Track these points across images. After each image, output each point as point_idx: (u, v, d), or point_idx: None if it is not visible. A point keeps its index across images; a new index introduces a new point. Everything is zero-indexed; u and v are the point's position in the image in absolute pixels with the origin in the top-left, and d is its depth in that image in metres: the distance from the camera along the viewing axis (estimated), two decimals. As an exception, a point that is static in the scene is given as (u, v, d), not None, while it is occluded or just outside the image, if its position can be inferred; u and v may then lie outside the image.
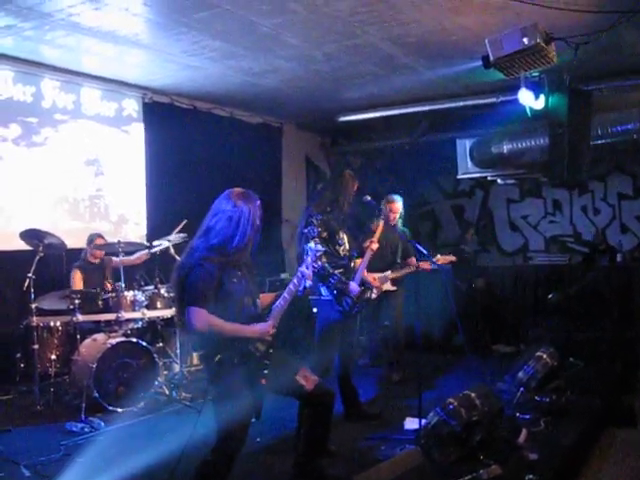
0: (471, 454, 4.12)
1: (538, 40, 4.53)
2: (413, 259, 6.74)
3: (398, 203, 6.64)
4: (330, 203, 5.18)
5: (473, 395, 4.16)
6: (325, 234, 5.03)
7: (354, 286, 5.14)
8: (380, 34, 6.15)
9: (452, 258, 7.00)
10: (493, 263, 10.36)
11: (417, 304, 6.91)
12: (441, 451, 4.00)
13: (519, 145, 8.29)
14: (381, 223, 5.61)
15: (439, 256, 6.89)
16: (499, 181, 10.19)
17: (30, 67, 6.85)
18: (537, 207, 10.52)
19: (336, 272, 5.01)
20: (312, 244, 3.98)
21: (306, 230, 4.99)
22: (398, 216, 6.63)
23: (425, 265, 6.55)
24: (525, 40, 4.54)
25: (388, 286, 6.58)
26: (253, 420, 3.64)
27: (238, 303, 3.57)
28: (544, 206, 10.49)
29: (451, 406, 4.03)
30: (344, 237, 5.25)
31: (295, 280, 3.73)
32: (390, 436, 4.93)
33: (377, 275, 6.43)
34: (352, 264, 5.30)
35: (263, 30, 5.97)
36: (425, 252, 5.44)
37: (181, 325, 3.67)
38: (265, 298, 3.86)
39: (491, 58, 4.82)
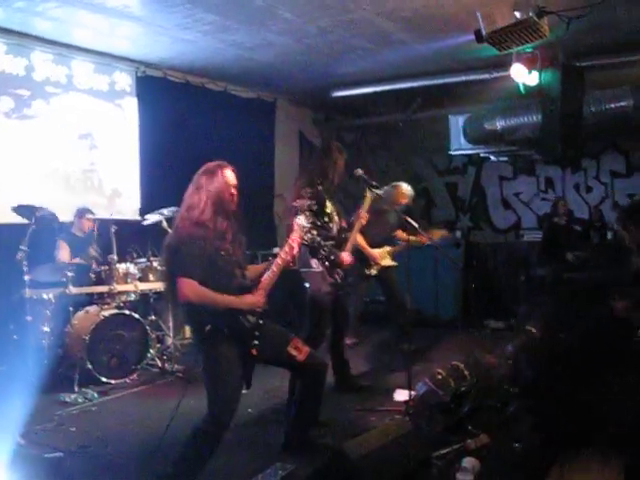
0: (460, 424, 4.20)
1: (530, 14, 4.52)
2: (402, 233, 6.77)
3: (409, 199, 6.71)
4: (319, 175, 5.20)
5: (462, 366, 4.23)
6: (315, 207, 5.04)
7: (346, 256, 5.17)
8: (374, 8, 6.14)
9: (445, 232, 7.07)
10: (485, 240, 10.41)
11: (407, 279, 7.03)
12: (429, 421, 4.07)
13: (512, 122, 8.29)
14: (368, 195, 5.61)
15: (435, 231, 6.98)
16: (492, 158, 10.21)
17: (21, 39, 6.80)
18: (530, 185, 10.56)
19: (326, 244, 5.04)
20: (302, 217, 4.00)
21: (296, 203, 5.01)
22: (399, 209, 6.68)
23: (422, 238, 6.63)
24: (517, 14, 4.54)
25: (388, 262, 6.62)
26: (244, 391, 3.69)
27: (228, 274, 3.60)
28: (537, 184, 10.53)
29: (440, 376, 4.10)
30: (334, 210, 5.28)
31: (282, 253, 3.76)
32: (380, 407, 5.01)
33: (379, 250, 6.49)
34: (342, 236, 5.32)
35: (257, 4, 5.94)
36: (415, 225, 5.46)
37: (171, 299, 3.70)
38: (254, 269, 3.90)
39: (483, 32, 4.81)
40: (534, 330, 5.46)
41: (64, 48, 7.19)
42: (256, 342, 3.60)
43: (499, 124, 8.38)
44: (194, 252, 3.48)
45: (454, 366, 4.24)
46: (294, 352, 3.79)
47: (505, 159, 10.36)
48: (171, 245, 3.61)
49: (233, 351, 3.53)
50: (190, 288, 3.44)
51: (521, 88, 6.93)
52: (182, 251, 3.50)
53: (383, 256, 6.53)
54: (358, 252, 6.49)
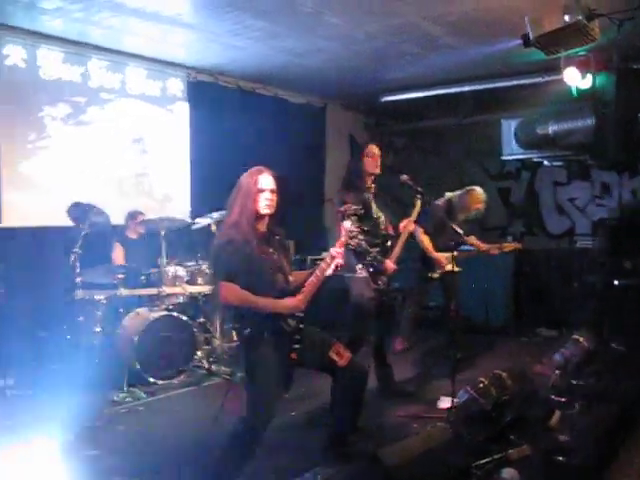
0: (501, 434, 4.15)
1: (580, 17, 4.43)
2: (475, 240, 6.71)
3: (483, 204, 6.66)
4: (358, 179, 5.21)
5: (505, 375, 4.17)
6: (361, 212, 5.05)
7: (390, 264, 5.16)
8: (421, 13, 6.12)
9: (518, 245, 7.00)
10: (539, 246, 10.22)
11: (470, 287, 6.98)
12: (471, 429, 4.03)
13: (565, 126, 8.11)
14: (418, 203, 5.59)
15: (506, 244, 6.93)
16: (546, 163, 10.02)
17: (78, 48, 7.02)
18: (585, 190, 10.31)
19: (372, 250, 5.04)
20: (348, 222, 4.01)
21: (342, 208, 5.03)
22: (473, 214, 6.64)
23: (494, 250, 6.60)
24: (566, 17, 4.45)
25: (451, 266, 6.57)
26: (286, 395, 3.73)
27: (269, 278, 3.64)
28: (592, 189, 10.28)
29: (481, 385, 4.05)
30: (380, 215, 5.28)
31: (327, 259, 3.78)
32: (423, 414, 4.99)
33: (445, 254, 6.45)
34: (388, 243, 5.32)
35: (305, 10, 5.99)
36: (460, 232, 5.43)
37: (215, 302, 3.77)
38: (298, 276, 3.92)
39: (531, 37, 4.74)
40: (581, 339, 5.36)
41: (118, 55, 7.39)
42: (296, 346, 3.63)
43: (551, 128, 8.21)
44: (234, 255, 3.52)
45: (496, 375, 4.18)
46: (335, 357, 3.80)
47: (559, 164, 10.15)
48: (214, 249, 3.68)
49: (273, 354, 3.57)
50: (231, 291, 3.49)
51: (574, 91, 6.80)
52: (223, 255, 3.56)
53: (448, 260, 6.47)
54: (423, 254, 6.48)
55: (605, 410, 4.93)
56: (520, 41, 5.46)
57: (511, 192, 10.95)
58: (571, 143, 8.15)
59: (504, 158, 9.65)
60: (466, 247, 6.73)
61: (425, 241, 6.35)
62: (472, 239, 6.65)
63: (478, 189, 6.72)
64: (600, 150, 6.92)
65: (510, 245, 6.88)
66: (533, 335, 8.29)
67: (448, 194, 6.74)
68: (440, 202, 6.51)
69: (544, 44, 4.82)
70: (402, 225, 5.61)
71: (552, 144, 8.50)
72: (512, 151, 9.26)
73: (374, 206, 5.23)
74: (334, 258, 3.77)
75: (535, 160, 9.83)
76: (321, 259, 3.88)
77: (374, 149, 5.32)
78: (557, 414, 4.59)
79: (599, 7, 4.74)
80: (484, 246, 6.69)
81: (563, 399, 5.03)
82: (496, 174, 11.01)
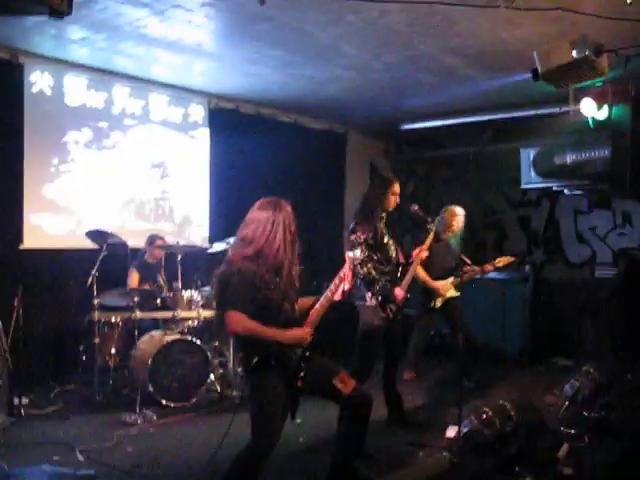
0: (506, 465, 4.14)
1: (587, 52, 4.47)
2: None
3: (461, 217, 6.79)
4: (373, 209, 5.27)
5: (509, 406, 4.17)
6: (372, 241, 5.11)
7: (399, 293, 5.19)
8: (437, 45, 6.20)
9: (511, 259, 7.00)
10: (558, 274, 10.17)
11: (474, 313, 7.00)
12: (474, 459, 4.04)
13: (582, 156, 8.10)
14: (432, 232, 5.65)
15: (499, 258, 6.93)
16: (566, 192, 10.00)
17: (103, 75, 7.23)
18: (606, 219, 10.26)
19: (381, 278, 5.08)
20: (357, 251, 4.06)
21: (353, 237, 5.09)
22: (457, 229, 6.73)
23: (488, 267, 6.64)
24: (574, 53, 4.50)
25: (452, 292, 6.62)
26: (298, 420, 3.77)
27: (276, 308, 3.69)
28: (613, 218, 10.22)
29: (484, 415, 4.06)
30: (390, 243, 5.32)
31: (332, 286, 3.83)
32: (430, 443, 4.99)
33: (443, 282, 6.51)
34: (399, 271, 5.35)
35: (321, 40, 6.11)
36: (468, 262, 5.47)
37: (220, 329, 3.82)
38: (304, 302, 3.97)
39: (540, 71, 4.79)
40: (592, 371, 5.33)
41: (142, 82, 7.58)
42: (302, 374, 3.67)
43: (569, 158, 8.20)
44: (244, 286, 3.58)
45: (501, 405, 4.18)
46: (340, 385, 3.83)
47: (580, 192, 10.11)
48: (222, 277, 3.73)
49: (279, 382, 3.61)
50: (238, 321, 3.54)
51: (590, 122, 6.83)
52: (232, 284, 3.60)
53: (447, 288, 6.54)
54: (422, 285, 6.55)
55: (615, 444, 4.89)
56: (533, 73, 5.52)
57: (531, 220, 10.93)
58: (589, 173, 8.13)
59: (523, 187, 9.65)
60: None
61: (420, 272, 6.40)
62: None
63: (452, 205, 6.90)
64: (618, 180, 6.91)
65: (504, 259, 6.88)
66: (549, 364, 8.23)
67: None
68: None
69: (552, 78, 4.87)
70: (415, 253, 5.66)
71: (570, 174, 8.48)
72: (531, 180, 9.26)
73: (385, 235, 5.27)
74: (338, 286, 3.82)
75: (555, 189, 9.81)
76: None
77: (398, 187, 5.39)
78: (565, 447, 4.55)
79: (607, 42, 4.79)
80: (476, 267, 6.73)
81: (572, 431, 5.00)
82: (517, 202, 10.99)
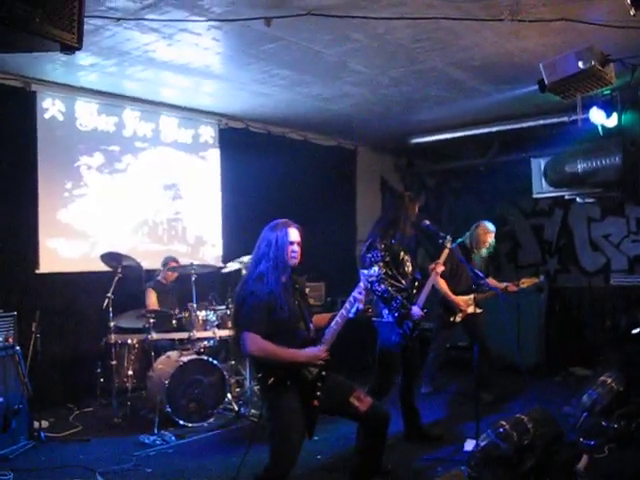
0: (525, 478, 4.11)
1: (593, 63, 4.49)
2: (493, 280, 6.75)
3: (493, 234, 6.78)
4: (391, 226, 5.28)
5: (526, 419, 4.14)
6: (388, 258, 5.12)
7: (416, 310, 5.19)
8: (443, 59, 6.24)
9: (535, 279, 6.98)
10: (573, 283, 10.13)
11: (489, 325, 6.96)
12: (492, 474, 4.01)
13: (593, 164, 8.10)
14: (447, 246, 5.64)
15: (524, 279, 6.90)
16: (578, 200, 9.97)
17: (113, 99, 7.32)
18: (619, 226, 10.22)
19: (398, 295, 5.09)
20: (374, 269, 4.09)
21: (369, 255, 5.11)
22: (488, 246, 6.72)
23: (512, 287, 6.61)
24: (580, 63, 4.51)
25: (473, 309, 6.58)
26: (316, 437, 3.78)
27: (291, 328, 3.74)
28: (627, 225, 10.18)
29: (501, 429, 4.04)
30: (407, 260, 5.33)
31: (347, 304, 3.85)
32: (448, 457, 4.97)
33: (465, 298, 6.49)
34: (415, 288, 5.35)
35: (328, 59, 6.17)
36: (482, 275, 5.47)
37: (236, 349, 3.84)
38: (320, 320, 4.01)
39: (546, 82, 4.81)
40: (609, 380, 5.29)
41: (152, 105, 7.67)
42: (318, 393, 3.70)
43: (580, 167, 8.20)
44: (258, 307, 3.63)
45: (518, 418, 4.16)
46: (356, 403, 3.85)
47: (592, 200, 10.09)
48: (238, 298, 3.79)
49: (296, 402, 3.64)
50: (254, 342, 3.59)
51: (600, 130, 6.82)
52: (247, 305, 3.67)
53: (469, 303, 6.49)
54: (443, 299, 6.53)
55: (637, 455, 4.84)
56: (540, 83, 5.55)
57: (545, 229, 10.91)
58: (600, 180, 8.14)
59: (535, 196, 9.65)
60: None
61: (442, 285, 6.40)
62: (490, 281, 6.64)
63: (484, 222, 6.86)
64: (629, 187, 6.90)
65: (528, 280, 6.85)
66: (567, 374, 8.17)
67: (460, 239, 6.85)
68: (454, 247, 6.54)
69: (559, 89, 4.89)
70: (431, 267, 5.67)
71: (581, 182, 8.48)
72: (542, 189, 9.26)
73: (402, 251, 5.27)
74: (354, 304, 3.84)
75: (567, 197, 9.79)
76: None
77: (416, 208, 5.41)
78: (585, 458, 4.50)
79: (613, 52, 4.80)
80: (502, 285, 6.69)
81: (591, 442, 4.96)
82: (529, 212, 10.99)
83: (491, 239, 6.77)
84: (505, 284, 6.73)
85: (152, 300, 6.87)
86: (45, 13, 2.52)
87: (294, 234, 3.86)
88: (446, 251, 5.64)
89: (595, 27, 5.06)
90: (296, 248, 3.85)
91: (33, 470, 4.87)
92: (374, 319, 5.35)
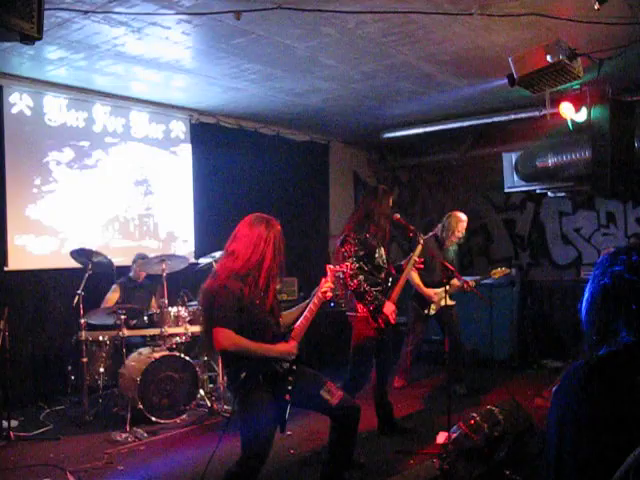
0: (497, 470, 4.14)
1: (561, 57, 4.52)
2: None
3: (465, 223, 6.80)
4: (366, 220, 5.27)
5: (496, 410, 4.18)
6: (362, 252, 5.11)
7: (389, 306, 5.19)
8: (414, 53, 6.24)
9: (507, 270, 7.02)
10: (545, 277, 10.23)
11: (462, 319, 7.01)
12: (464, 465, 4.04)
13: (563, 158, 8.18)
14: (420, 242, 5.65)
15: (494, 270, 6.94)
16: (550, 194, 10.07)
17: (82, 94, 7.22)
18: (590, 219, 10.34)
19: (372, 290, 5.09)
20: (346, 264, 4.10)
21: (343, 249, 5.10)
22: (461, 236, 6.75)
23: (470, 283, 6.60)
24: (548, 57, 4.54)
25: (448, 301, 6.59)
26: (289, 432, 3.77)
27: (262, 323, 3.71)
28: (597, 218, 10.30)
29: (473, 420, 4.06)
30: (382, 254, 5.32)
31: (315, 299, 3.84)
32: (420, 450, 5.00)
33: (437, 290, 6.51)
34: (389, 282, 5.36)
35: (299, 53, 6.14)
36: (451, 269, 5.50)
37: (207, 345, 3.80)
38: (288, 316, 4.00)
39: (515, 76, 4.84)
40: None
41: (122, 100, 7.58)
42: (289, 387, 3.68)
43: (551, 161, 8.28)
44: (231, 302, 3.59)
45: (488, 410, 4.19)
46: (327, 396, 3.84)
47: (563, 194, 10.19)
48: (209, 293, 3.74)
49: (267, 396, 3.62)
50: (227, 337, 3.55)
51: (570, 125, 6.88)
52: (219, 301, 3.61)
53: (441, 296, 6.50)
54: (416, 292, 6.55)
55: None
56: (511, 78, 5.58)
57: (516, 223, 11.00)
58: (571, 174, 8.22)
59: (506, 191, 9.73)
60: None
61: (415, 278, 6.42)
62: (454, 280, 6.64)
63: (456, 211, 6.91)
64: (599, 181, 6.94)
65: (499, 271, 6.89)
66: (539, 367, 8.27)
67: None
68: (427, 237, 6.56)
69: (529, 83, 4.92)
70: (405, 263, 5.67)
71: (552, 176, 8.57)
72: (514, 184, 9.34)
73: (377, 246, 5.27)
74: (321, 298, 3.83)
75: (538, 191, 9.89)
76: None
77: (391, 199, 5.43)
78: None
79: (581, 46, 4.85)
80: (471, 282, 6.67)
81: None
82: (501, 206, 11.07)
83: (464, 228, 6.81)
84: (472, 280, 6.73)
85: (110, 297, 6.74)
86: (2, 1, 2.46)
87: (281, 234, 3.85)
88: (419, 247, 5.65)
89: (564, 22, 5.10)
90: (281, 245, 3.81)
91: (3, 470, 4.81)
92: (348, 313, 5.36)
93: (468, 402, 6.27)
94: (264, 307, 3.74)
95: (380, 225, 5.26)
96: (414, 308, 6.86)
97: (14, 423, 5.76)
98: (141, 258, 6.91)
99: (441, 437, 5.14)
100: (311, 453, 5.07)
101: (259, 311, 3.69)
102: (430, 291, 6.56)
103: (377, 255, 5.26)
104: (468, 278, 6.80)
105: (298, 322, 3.83)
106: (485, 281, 7.32)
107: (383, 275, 5.28)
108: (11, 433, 5.52)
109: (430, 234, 6.89)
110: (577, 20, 5.02)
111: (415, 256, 5.58)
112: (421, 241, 5.54)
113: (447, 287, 6.19)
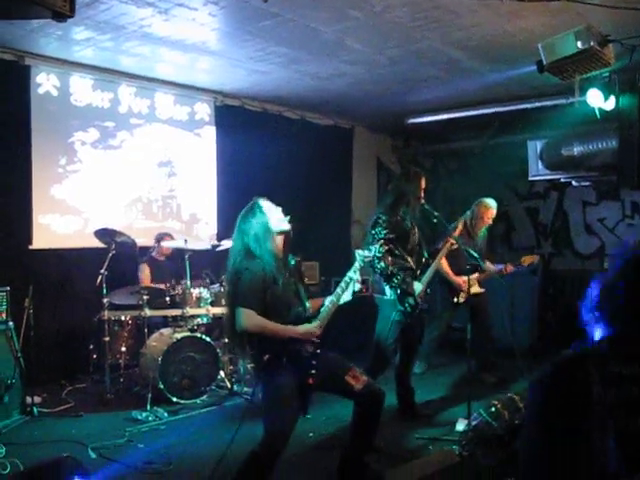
0: (516, 457, 4.12)
1: (592, 43, 4.45)
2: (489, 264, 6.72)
3: (494, 210, 6.70)
4: (398, 202, 5.25)
5: (517, 398, 4.14)
6: (393, 235, 5.10)
7: (418, 287, 5.18)
8: (441, 38, 6.19)
9: (535, 257, 6.94)
10: (567, 266, 10.15)
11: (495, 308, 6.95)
12: (484, 453, 4.02)
13: (590, 147, 8.07)
14: (460, 224, 5.61)
15: (524, 257, 6.86)
16: (574, 183, 9.96)
17: (108, 75, 7.25)
18: (614, 210, 10.23)
19: (400, 272, 5.07)
20: (374, 247, 4.11)
21: (374, 231, 5.10)
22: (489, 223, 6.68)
23: (510, 268, 6.56)
24: (579, 44, 4.48)
25: (477, 289, 6.55)
26: (308, 416, 3.79)
27: (285, 304, 3.73)
28: (622, 208, 10.18)
29: (493, 408, 4.04)
30: (415, 235, 5.30)
31: (342, 284, 3.85)
32: (440, 436, 5.00)
33: (465, 278, 6.45)
34: (421, 265, 5.34)
35: (325, 36, 6.11)
36: (476, 256, 5.47)
37: (230, 327, 3.82)
38: (316, 302, 4.01)
39: (545, 62, 4.78)
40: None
41: (147, 81, 7.60)
42: (313, 371, 3.68)
43: (576, 150, 8.18)
44: (253, 283, 3.62)
45: (510, 398, 4.16)
46: (352, 381, 3.85)
47: (587, 184, 10.08)
48: (232, 274, 3.77)
49: (290, 379, 3.64)
50: (249, 318, 3.58)
51: (597, 113, 6.78)
52: (241, 281, 3.66)
53: (471, 283, 6.44)
54: (445, 280, 6.50)
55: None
56: (538, 64, 5.51)
57: (540, 212, 10.91)
58: (596, 164, 8.12)
59: (530, 179, 9.63)
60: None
61: (444, 265, 6.36)
62: (487, 264, 6.62)
63: (485, 198, 6.78)
64: (625, 171, 6.85)
65: (529, 258, 6.80)
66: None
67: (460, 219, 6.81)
68: (456, 226, 6.50)
69: (558, 70, 4.85)
70: (439, 246, 5.68)
71: (577, 165, 8.46)
72: (538, 172, 9.23)
73: (409, 228, 5.25)
74: (349, 284, 3.84)
75: (562, 180, 9.78)
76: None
77: (424, 181, 5.40)
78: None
79: (612, 32, 4.78)
80: (496, 268, 6.64)
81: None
82: (524, 194, 10.98)
83: (493, 215, 6.71)
84: (501, 266, 6.69)
85: (145, 274, 6.86)
86: (36, -22, 2.47)
87: (267, 204, 3.94)
88: (460, 229, 5.63)
89: (594, 7, 5.00)
90: (280, 215, 3.89)
91: (26, 444, 4.88)
92: (376, 295, 5.35)
93: (490, 390, 6.22)
94: (287, 287, 3.76)
95: (413, 207, 5.24)
96: (444, 296, 6.78)
97: (37, 399, 5.83)
98: (166, 236, 6.96)
99: (460, 424, 5.14)
100: (330, 437, 5.09)
101: (282, 291, 3.72)
102: (459, 279, 6.49)
103: (410, 239, 5.24)
104: (499, 266, 6.74)
105: (324, 306, 3.84)
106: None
107: (414, 259, 5.26)
108: (34, 409, 5.60)
109: (457, 224, 6.79)
110: (608, 6, 4.92)
111: (451, 240, 5.57)
112: (460, 226, 5.51)
113: (477, 275, 6.16)
